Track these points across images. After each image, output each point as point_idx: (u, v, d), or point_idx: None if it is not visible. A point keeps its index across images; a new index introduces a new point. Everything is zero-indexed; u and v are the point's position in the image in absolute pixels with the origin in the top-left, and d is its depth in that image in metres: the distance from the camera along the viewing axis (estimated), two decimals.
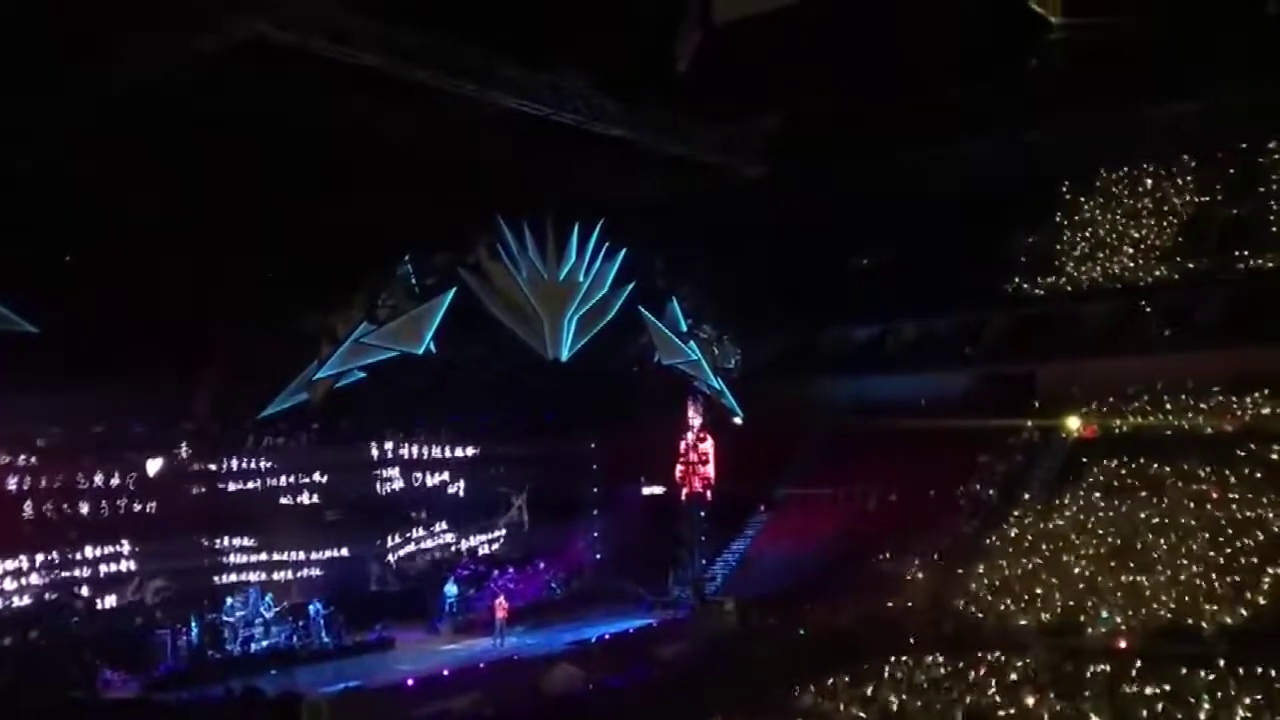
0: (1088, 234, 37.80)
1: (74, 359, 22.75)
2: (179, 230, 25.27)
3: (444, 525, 32.19)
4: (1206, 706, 18.03)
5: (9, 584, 23.09)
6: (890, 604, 28.56)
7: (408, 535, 31.16)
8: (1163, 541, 28.26)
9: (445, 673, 23.75)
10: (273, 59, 22.52)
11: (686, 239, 33.66)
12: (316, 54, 22.57)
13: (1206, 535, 27.88)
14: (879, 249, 41.01)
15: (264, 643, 25.78)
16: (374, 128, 26.57)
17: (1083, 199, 38.64)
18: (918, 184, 35.50)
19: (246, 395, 26.56)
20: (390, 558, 30.49)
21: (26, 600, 23.30)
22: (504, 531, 33.85)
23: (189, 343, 25.64)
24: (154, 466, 25.43)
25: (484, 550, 33.36)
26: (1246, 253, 34.01)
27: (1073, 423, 34.40)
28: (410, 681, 23.11)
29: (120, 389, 24.08)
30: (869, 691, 20.38)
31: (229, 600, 25.91)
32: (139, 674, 23.51)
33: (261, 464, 27.53)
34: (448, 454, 32.02)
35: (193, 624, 24.99)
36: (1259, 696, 18.72)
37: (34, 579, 23.49)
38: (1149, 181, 37.81)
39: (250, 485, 27.37)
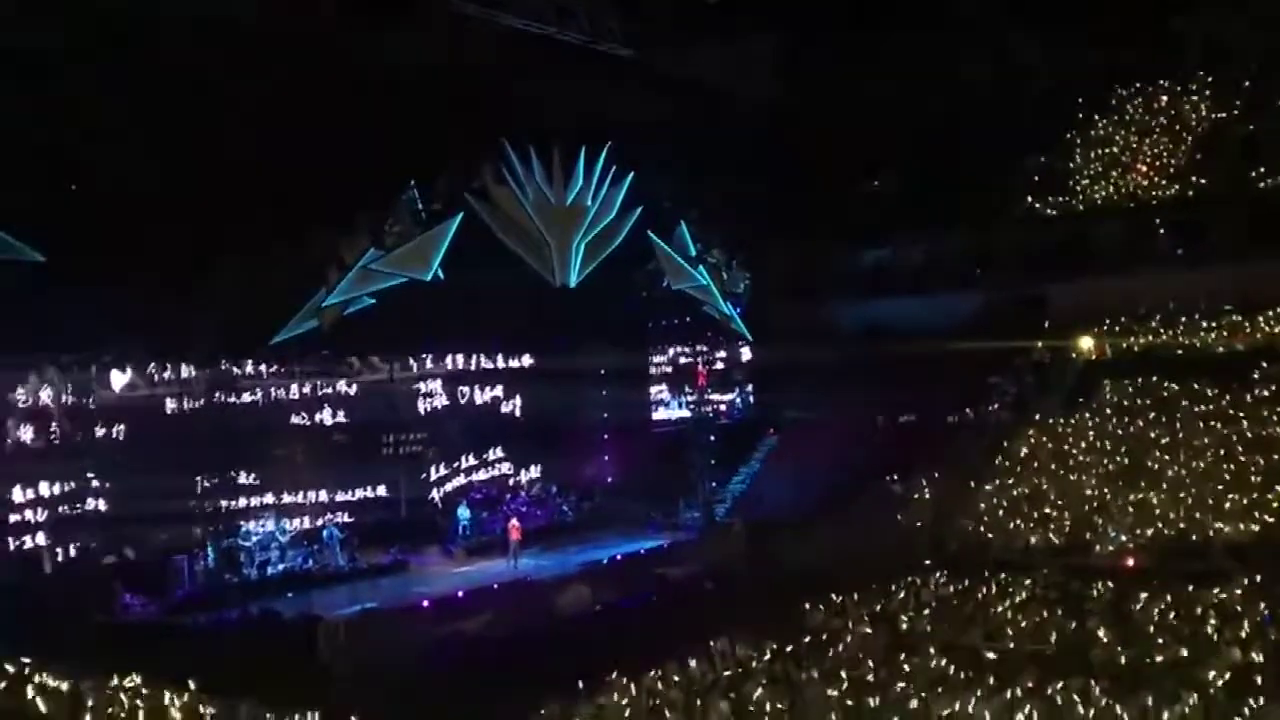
0: (1101, 152, 37.35)
1: (83, 288, 22.67)
2: (184, 159, 25.03)
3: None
4: (1213, 622, 18.14)
5: (29, 512, 23.34)
6: (899, 524, 28.77)
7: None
8: (1170, 459, 28.35)
9: (460, 594, 24.06)
10: None
11: (694, 162, 33.33)
12: None
13: (1216, 453, 27.95)
14: (888, 171, 40.58)
15: (280, 566, 26.08)
16: (376, 50, 26.20)
17: (1096, 117, 38.13)
18: (928, 103, 35.05)
19: (256, 323, 26.54)
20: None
21: (47, 528, 23.55)
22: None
23: (197, 272, 25.51)
24: (169, 395, 25.53)
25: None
26: (1262, 169, 33.60)
27: (1084, 343, 34.30)
28: (426, 603, 23.42)
29: (127, 318, 24.09)
30: (878, 609, 20.56)
31: (244, 525, 26.17)
32: (158, 598, 23.83)
33: (282, 393, 27.49)
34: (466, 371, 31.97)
35: (209, 549, 25.28)
36: (1266, 612, 18.82)
37: (54, 507, 23.72)
38: (1164, 99, 37.28)
39: (270, 416, 27.33)
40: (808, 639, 18.50)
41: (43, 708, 13.02)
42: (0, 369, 22.82)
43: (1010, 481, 29.54)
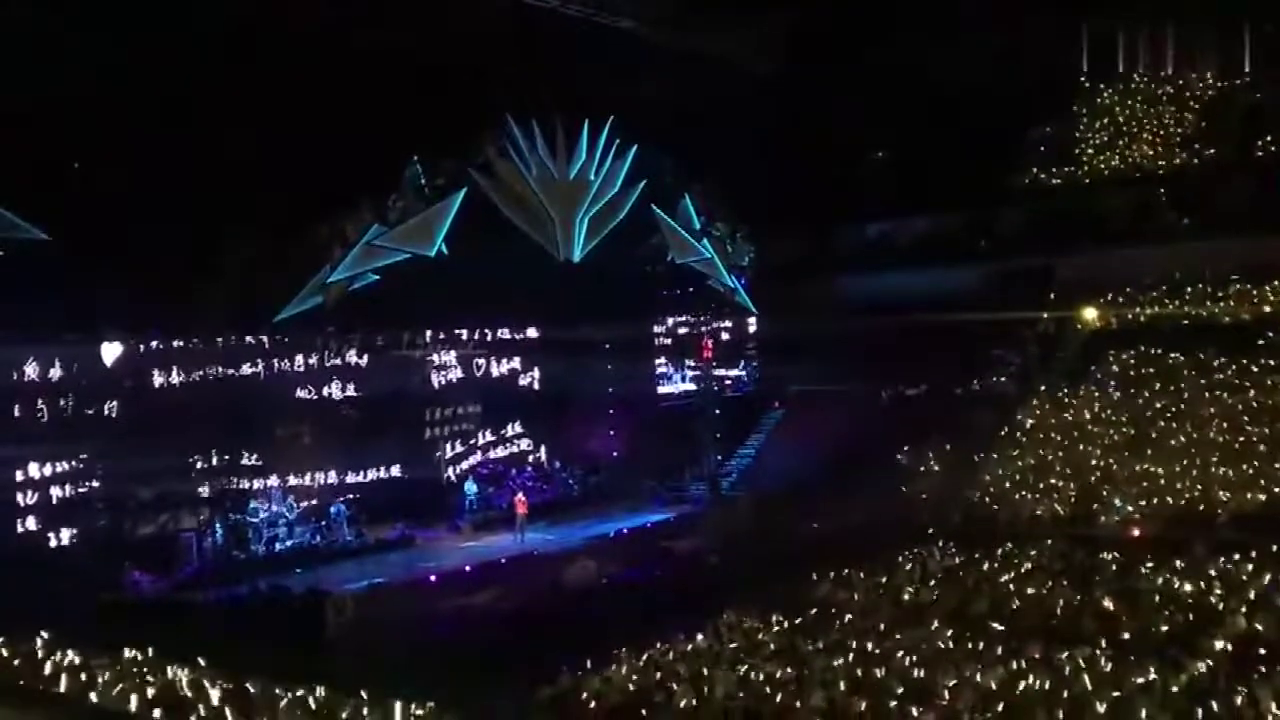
0: (1106, 122, 37.16)
1: (86, 266, 22.66)
2: (189, 137, 24.95)
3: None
4: (1219, 591, 18.17)
5: (38, 490, 23.41)
6: (905, 496, 28.81)
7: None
8: (1176, 429, 28.34)
9: (467, 568, 24.17)
10: None
11: (698, 136, 33.18)
12: None
13: (1222, 424, 27.94)
14: (893, 143, 40.36)
15: (288, 542, 26.13)
16: (379, 24, 26.05)
17: (1102, 86, 37.92)
18: (933, 76, 34.85)
19: (261, 300, 26.53)
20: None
21: (55, 505, 23.63)
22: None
23: (206, 249, 25.48)
24: (180, 374, 25.58)
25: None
26: (1268, 138, 33.43)
27: (1089, 314, 34.24)
28: (433, 577, 23.52)
29: (133, 297, 24.08)
30: (883, 581, 20.61)
31: (252, 502, 26.25)
32: (166, 575, 23.93)
33: (295, 370, 27.63)
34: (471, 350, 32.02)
35: (217, 525, 25.37)
36: (1272, 581, 18.86)
37: (62, 485, 23.78)
38: (1170, 68, 37.05)
39: (279, 392, 27.42)
40: (813, 611, 18.57)
41: (54, 684, 13.10)
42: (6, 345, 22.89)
43: (1015, 453, 29.57)
